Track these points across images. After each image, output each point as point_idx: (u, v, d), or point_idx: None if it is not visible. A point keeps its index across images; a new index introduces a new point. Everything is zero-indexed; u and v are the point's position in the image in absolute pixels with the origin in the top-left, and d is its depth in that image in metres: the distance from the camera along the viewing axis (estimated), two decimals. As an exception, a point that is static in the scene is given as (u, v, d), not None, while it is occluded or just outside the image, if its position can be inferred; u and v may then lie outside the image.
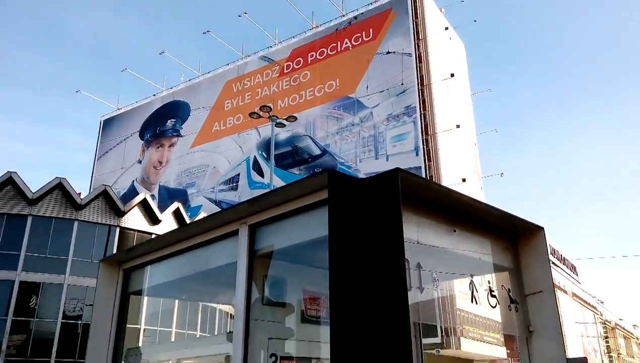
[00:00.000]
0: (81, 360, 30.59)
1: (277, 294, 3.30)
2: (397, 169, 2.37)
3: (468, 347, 37.97)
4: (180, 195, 47.43)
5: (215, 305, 31.63)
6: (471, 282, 2.94)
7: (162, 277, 3.93)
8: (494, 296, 3.03)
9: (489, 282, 3.06)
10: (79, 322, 31.83)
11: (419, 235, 2.68)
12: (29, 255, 30.95)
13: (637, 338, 73.80)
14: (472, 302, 2.91)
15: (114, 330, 3.88)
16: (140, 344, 3.94)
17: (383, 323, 2.14)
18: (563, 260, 48.68)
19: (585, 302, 51.78)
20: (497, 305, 3.02)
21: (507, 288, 3.08)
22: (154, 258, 3.68)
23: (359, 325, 2.16)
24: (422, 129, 37.16)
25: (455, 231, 2.89)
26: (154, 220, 33.80)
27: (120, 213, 33.77)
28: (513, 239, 3.21)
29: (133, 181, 53.21)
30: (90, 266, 32.76)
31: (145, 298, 4.35)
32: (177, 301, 31.34)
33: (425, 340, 3.61)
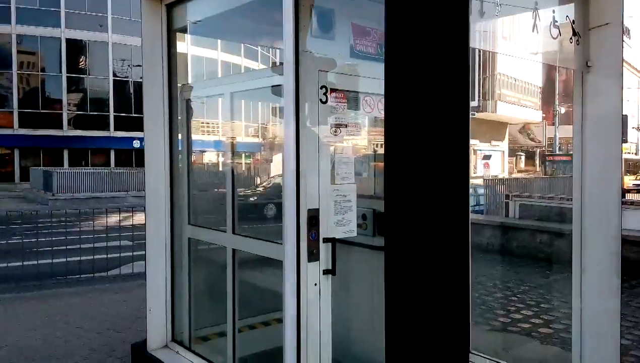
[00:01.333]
0: (136, 115, 33.00)
1: (326, 26, 3.19)
2: None
3: (504, 110, 38.57)
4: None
5: (260, 57, 31.99)
6: (535, 10, 2.73)
7: (205, 11, 3.83)
8: (556, 27, 2.84)
9: (553, 12, 2.83)
10: (129, 79, 33.28)
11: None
12: (69, 12, 30.87)
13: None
14: (532, 30, 2.74)
15: (165, 68, 3.97)
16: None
17: (442, 46, 2.04)
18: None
19: (632, 66, 49.83)
20: (558, 37, 2.84)
21: (571, 20, 2.86)
22: (196, -8, 3.53)
23: (416, 55, 2.05)
24: None
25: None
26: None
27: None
28: (586, -34, 2.86)
29: None
30: (131, 25, 32.73)
31: (191, 54, 4.31)
32: (220, 59, 31.72)
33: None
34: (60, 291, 6.94)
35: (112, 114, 32.38)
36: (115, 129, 32.34)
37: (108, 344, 4.55)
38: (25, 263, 7.46)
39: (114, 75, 32.73)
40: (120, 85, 33.08)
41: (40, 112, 30.76)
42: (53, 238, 8.23)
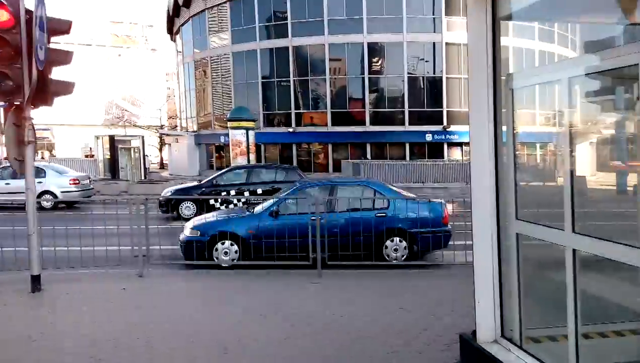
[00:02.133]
0: (428, 109, 34.18)
1: None
2: None
3: None
4: None
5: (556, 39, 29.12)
6: None
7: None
8: None
9: None
10: (420, 76, 34.65)
11: None
12: (370, 18, 33.88)
13: None
14: None
15: (490, 58, 3.89)
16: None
17: None
18: None
19: None
20: None
21: None
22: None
23: None
24: None
25: None
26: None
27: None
28: None
29: None
30: (424, 22, 33.96)
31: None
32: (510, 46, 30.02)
33: None
34: (371, 272, 7.66)
35: (406, 109, 34.26)
36: (409, 124, 34.15)
37: (430, 328, 4.78)
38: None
39: (408, 72, 34.53)
40: (412, 82, 34.74)
41: (347, 111, 34.80)
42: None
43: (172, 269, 8.01)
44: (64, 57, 6.54)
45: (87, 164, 31.08)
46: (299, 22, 34.83)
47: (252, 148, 30.24)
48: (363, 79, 34.53)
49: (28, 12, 6.00)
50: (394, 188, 9.53)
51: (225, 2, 37.42)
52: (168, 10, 45.11)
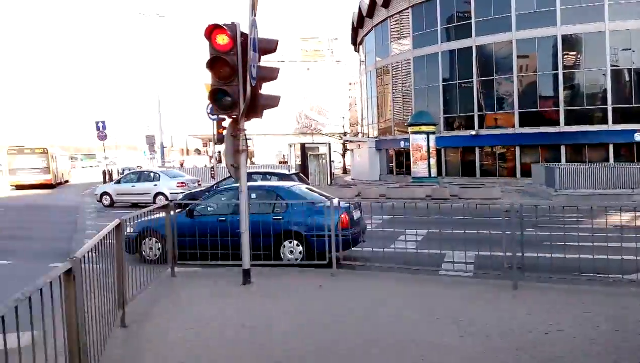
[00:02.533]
0: (638, 105, 29.84)
1: None
2: None
3: None
4: None
5: None
6: None
7: None
8: None
9: None
10: (627, 68, 30.49)
11: None
12: (564, 8, 30.96)
13: None
14: None
15: None
16: None
17: None
18: None
19: None
20: None
21: None
22: None
23: None
24: None
25: None
26: None
27: None
28: None
29: None
30: (630, 7, 29.91)
31: None
32: None
33: None
34: (585, 288, 6.92)
35: (609, 106, 30.42)
36: (613, 122, 30.27)
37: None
38: (539, 254, 7.81)
39: (610, 65, 30.66)
40: (616, 75, 30.75)
41: (536, 110, 32.21)
42: (565, 234, 8.29)
43: (355, 269, 8.33)
44: (271, 73, 7.28)
45: (280, 170, 33.99)
46: (483, 21, 33.41)
47: (433, 152, 29.92)
48: (556, 74, 31.65)
49: (243, 35, 6.82)
50: (306, 194, 9.74)
51: (406, 9, 37.69)
52: (352, 22, 47.11)
